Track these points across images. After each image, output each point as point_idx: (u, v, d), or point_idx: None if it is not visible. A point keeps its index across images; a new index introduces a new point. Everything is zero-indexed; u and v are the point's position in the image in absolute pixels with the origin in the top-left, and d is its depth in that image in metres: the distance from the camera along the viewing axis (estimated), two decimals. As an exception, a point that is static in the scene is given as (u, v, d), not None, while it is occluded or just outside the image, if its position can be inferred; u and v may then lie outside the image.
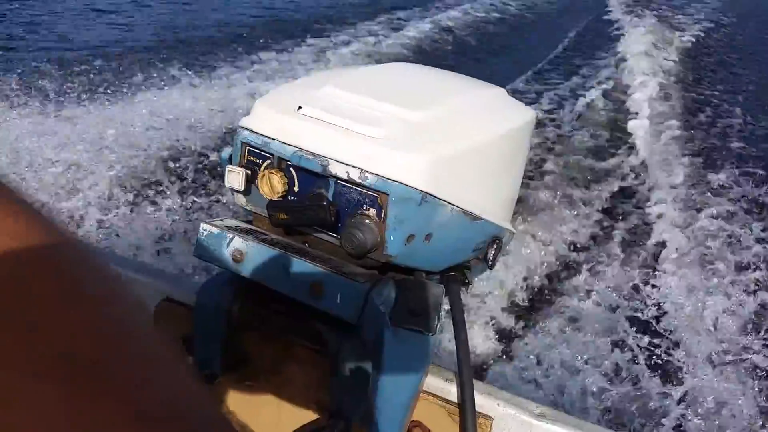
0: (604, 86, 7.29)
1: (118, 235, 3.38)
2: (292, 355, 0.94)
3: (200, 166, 4.17)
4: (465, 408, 0.87)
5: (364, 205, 0.80)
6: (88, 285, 0.32)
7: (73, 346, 0.28)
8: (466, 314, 0.92)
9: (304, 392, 0.95)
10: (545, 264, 3.67)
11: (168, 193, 3.84)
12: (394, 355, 0.80)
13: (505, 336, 3.09)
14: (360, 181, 0.79)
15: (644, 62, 7.91)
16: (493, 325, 3.12)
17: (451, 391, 1.02)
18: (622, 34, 9.57)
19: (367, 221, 0.80)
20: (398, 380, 0.80)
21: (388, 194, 0.78)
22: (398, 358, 0.80)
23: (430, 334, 0.82)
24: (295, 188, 0.85)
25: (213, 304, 0.89)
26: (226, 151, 0.91)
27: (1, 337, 0.27)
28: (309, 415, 0.94)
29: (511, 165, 0.98)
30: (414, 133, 0.82)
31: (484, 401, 0.90)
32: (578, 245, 3.94)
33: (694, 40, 9.90)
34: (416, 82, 1.02)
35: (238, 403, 1.00)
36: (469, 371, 0.89)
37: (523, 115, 1.00)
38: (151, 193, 3.83)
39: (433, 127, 0.85)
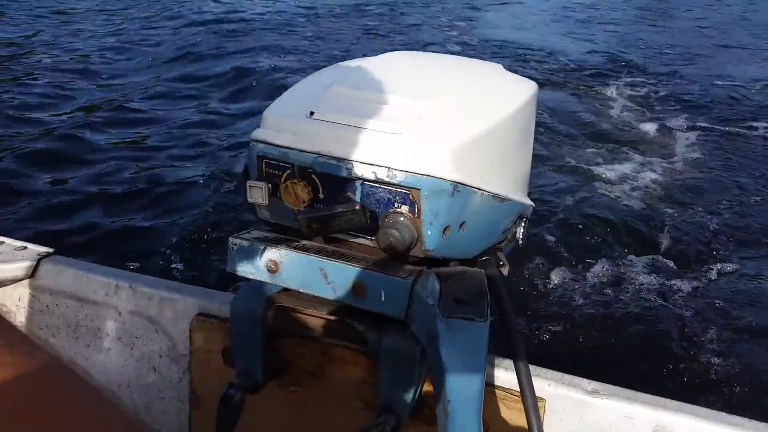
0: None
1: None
2: (333, 357, 0.93)
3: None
4: (525, 393, 0.86)
5: (396, 203, 0.79)
6: None
7: None
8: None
9: (349, 392, 0.94)
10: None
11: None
12: (454, 346, 0.78)
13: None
14: (388, 179, 0.77)
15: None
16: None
17: (499, 376, 1.00)
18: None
19: (402, 218, 0.78)
20: (464, 372, 0.78)
21: (419, 189, 0.76)
22: (458, 348, 0.79)
23: (483, 320, 0.80)
24: (320, 195, 0.83)
25: (248, 314, 0.88)
26: (240, 165, 0.89)
27: None
28: (357, 415, 0.94)
29: (525, 140, 0.97)
30: (432, 124, 0.80)
31: (534, 383, 0.88)
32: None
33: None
34: (419, 70, 1.00)
35: (285, 409, 1.00)
36: (524, 355, 0.87)
37: (528, 87, 0.98)
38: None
39: (449, 115, 0.83)
